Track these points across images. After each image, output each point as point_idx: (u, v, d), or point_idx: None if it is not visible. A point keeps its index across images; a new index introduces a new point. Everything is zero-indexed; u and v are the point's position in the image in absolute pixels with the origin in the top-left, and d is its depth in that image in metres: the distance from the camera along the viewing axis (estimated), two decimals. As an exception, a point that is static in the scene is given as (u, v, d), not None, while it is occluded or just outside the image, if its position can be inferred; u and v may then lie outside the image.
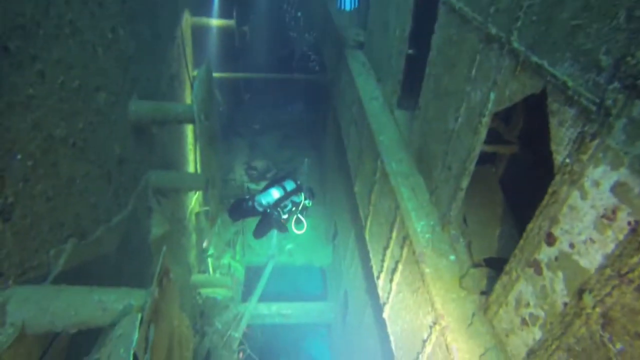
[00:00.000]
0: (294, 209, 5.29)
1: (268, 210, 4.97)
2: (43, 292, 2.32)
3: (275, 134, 14.64)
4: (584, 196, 1.78)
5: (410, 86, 4.56)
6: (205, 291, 8.13)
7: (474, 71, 2.81)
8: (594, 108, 1.68)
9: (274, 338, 9.47)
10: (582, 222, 1.81)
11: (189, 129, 6.87)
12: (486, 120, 2.69)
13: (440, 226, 3.35)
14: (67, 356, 2.67)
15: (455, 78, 3.14)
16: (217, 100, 8.21)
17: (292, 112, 15.97)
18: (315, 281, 11.00)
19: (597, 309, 1.77)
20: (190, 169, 7.13)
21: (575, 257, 1.87)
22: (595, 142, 1.67)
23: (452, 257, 3.08)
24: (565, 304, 1.96)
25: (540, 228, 2.07)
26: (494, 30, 2.54)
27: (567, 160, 1.84)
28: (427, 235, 3.27)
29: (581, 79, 1.77)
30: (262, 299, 9.08)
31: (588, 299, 1.82)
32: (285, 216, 5.12)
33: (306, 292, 10.71)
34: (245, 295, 9.24)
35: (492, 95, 2.54)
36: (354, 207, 6.10)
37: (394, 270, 3.67)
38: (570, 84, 1.80)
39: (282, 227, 5.12)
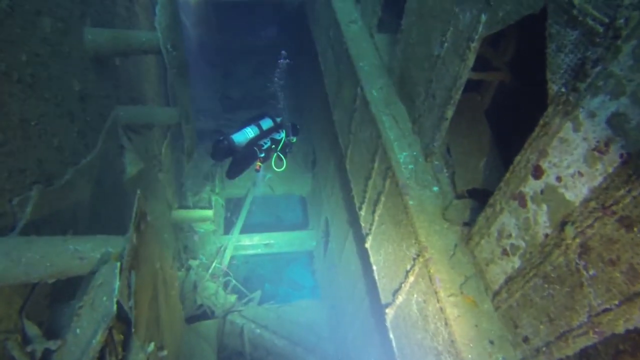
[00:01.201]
0: (273, 146, 5.14)
1: (238, 150, 4.82)
2: (12, 243, 2.21)
3: (249, 61, 13.94)
4: (576, 128, 1.71)
5: (392, 7, 4.23)
6: (187, 226, 8.16)
7: (464, -11, 2.57)
8: (600, 29, 1.53)
9: (257, 267, 9.78)
10: (571, 155, 1.76)
11: (155, 60, 6.39)
12: (475, 45, 2.51)
13: (423, 157, 3.29)
14: (50, 302, 2.64)
15: (442, -3, 2.89)
16: (183, 27, 7.59)
17: (266, 38, 15.07)
18: (296, 210, 11.17)
19: (577, 240, 1.80)
20: (161, 103, 6.75)
21: (562, 190, 1.85)
22: (597, 69, 1.55)
23: (436, 189, 3.06)
24: (547, 235, 1.98)
25: (528, 161, 2.02)
26: (488, -60, 2.28)
27: (563, 90, 1.74)
28: (410, 166, 3.22)
29: (591, -6, 1.59)
30: (244, 230, 9.20)
31: (569, 231, 1.83)
32: (262, 155, 4.99)
33: (287, 221, 10.89)
34: (227, 228, 9.35)
35: (484, 17, 2.35)
36: (333, 135, 5.96)
37: (376, 202, 3.66)
38: (576, 1, 1.63)
39: (250, 162, 5.00)
